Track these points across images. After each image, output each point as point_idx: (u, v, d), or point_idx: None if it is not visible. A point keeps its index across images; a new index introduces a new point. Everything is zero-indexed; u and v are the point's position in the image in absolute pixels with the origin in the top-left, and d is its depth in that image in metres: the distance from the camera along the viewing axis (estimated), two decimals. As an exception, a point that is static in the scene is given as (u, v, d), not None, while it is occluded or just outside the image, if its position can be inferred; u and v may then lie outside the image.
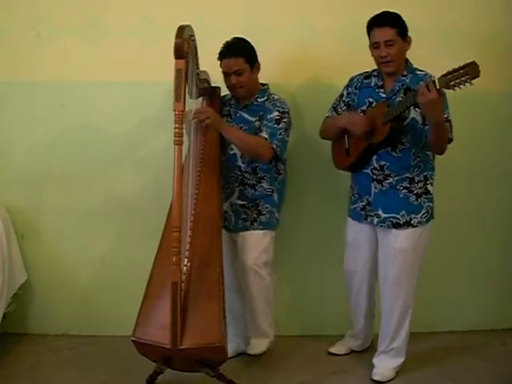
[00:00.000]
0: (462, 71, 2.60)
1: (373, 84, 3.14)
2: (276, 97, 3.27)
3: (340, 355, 3.50)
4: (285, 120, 3.19)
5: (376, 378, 3.20)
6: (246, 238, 3.27)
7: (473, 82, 2.60)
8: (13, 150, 3.70)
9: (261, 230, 3.28)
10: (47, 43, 3.62)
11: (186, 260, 2.84)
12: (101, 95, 3.66)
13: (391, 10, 3.01)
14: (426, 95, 2.70)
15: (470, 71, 2.58)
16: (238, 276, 3.31)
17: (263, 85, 3.32)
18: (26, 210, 3.72)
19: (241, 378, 3.10)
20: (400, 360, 3.25)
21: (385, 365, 3.24)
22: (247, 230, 3.28)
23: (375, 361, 3.29)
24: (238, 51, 3.16)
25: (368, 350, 3.50)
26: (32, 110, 3.68)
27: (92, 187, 3.71)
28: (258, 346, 3.36)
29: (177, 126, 2.66)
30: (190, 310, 2.71)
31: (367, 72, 3.20)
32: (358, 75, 3.22)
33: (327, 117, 3.31)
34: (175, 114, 2.66)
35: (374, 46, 3.01)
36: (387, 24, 2.96)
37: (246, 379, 3.19)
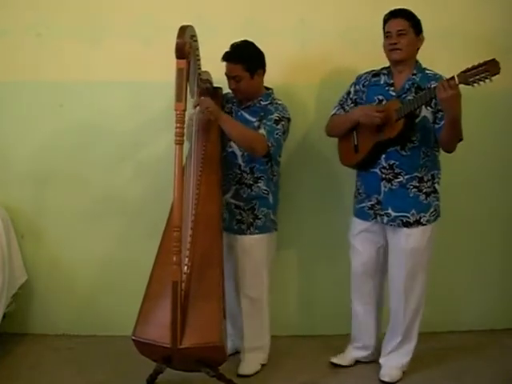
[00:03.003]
0: (481, 68, 2.65)
1: (382, 82, 3.14)
2: (279, 102, 3.26)
3: (343, 366, 3.41)
4: (283, 123, 3.17)
5: (386, 379, 3.20)
6: (244, 243, 3.26)
7: (492, 78, 2.65)
8: (13, 150, 3.70)
9: (257, 234, 3.27)
10: (47, 43, 3.62)
11: (186, 260, 2.84)
12: (101, 95, 3.67)
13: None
14: (447, 90, 2.72)
15: (490, 68, 2.64)
16: (235, 275, 3.31)
17: (268, 89, 3.31)
18: (26, 210, 3.72)
19: (241, 378, 3.11)
20: (407, 358, 3.25)
21: (392, 364, 3.24)
22: (244, 234, 3.27)
23: (382, 361, 3.29)
24: (238, 58, 3.13)
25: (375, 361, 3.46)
26: (32, 110, 3.68)
27: (92, 187, 3.71)
28: (251, 364, 3.31)
29: (178, 125, 2.65)
30: (190, 309, 2.71)
31: (374, 70, 3.19)
32: (366, 73, 3.22)
33: (333, 114, 3.29)
34: (176, 114, 2.65)
35: (386, 36, 3.05)
36: (402, 16, 3.02)
37: (245, 379, 3.19)
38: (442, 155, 3.18)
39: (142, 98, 3.66)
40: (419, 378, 3.26)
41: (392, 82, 3.10)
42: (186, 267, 2.82)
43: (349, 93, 3.26)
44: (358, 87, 3.22)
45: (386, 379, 3.20)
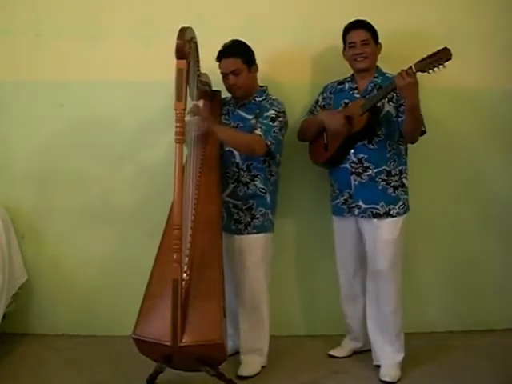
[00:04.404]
0: (435, 56, 2.87)
1: (347, 87, 3.34)
2: (274, 97, 3.30)
3: (341, 358, 3.49)
4: (280, 119, 3.20)
5: (386, 379, 3.21)
6: (241, 242, 3.26)
7: (446, 64, 2.85)
8: (13, 150, 3.71)
9: (255, 233, 3.27)
10: (47, 43, 3.64)
11: (186, 259, 2.84)
12: (101, 95, 3.68)
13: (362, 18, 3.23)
14: (405, 78, 2.90)
15: (442, 56, 2.85)
16: (234, 275, 3.30)
17: (262, 87, 3.34)
18: (27, 210, 3.73)
19: (241, 379, 3.11)
20: (401, 355, 3.27)
21: (389, 362, 3.25)
22: (241, 233, 3.27)
23: (378, 361, 3.30)
24: (237, 51, 3.18)
25: (369, 350, 3.48)
26: (32, 110, 3.69)
27: (92, 187, 3.71)
28: (250, 365, 3.29)
29: (178, 124, 2.67)
30: (190, 307, 2.71)
31: (339, 80, 3.39)
32: (332, 82, 3.41)
33: (304, 120, 3.45)
34: (176, 113, 2.67)
35: (350, 46, 3.23)
36: (363, 27, 3.21)
37: (245, 379, 3.19)
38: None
39: (141, 97, 3.66)
40: (419, 378, 3.25)
41: (356, 86, 3.30)
42: (186, 266, 2.82)
43: (317, 101, 3.44)
44: (325, 95, 3.41)
45: (387, 379, 3.21)
